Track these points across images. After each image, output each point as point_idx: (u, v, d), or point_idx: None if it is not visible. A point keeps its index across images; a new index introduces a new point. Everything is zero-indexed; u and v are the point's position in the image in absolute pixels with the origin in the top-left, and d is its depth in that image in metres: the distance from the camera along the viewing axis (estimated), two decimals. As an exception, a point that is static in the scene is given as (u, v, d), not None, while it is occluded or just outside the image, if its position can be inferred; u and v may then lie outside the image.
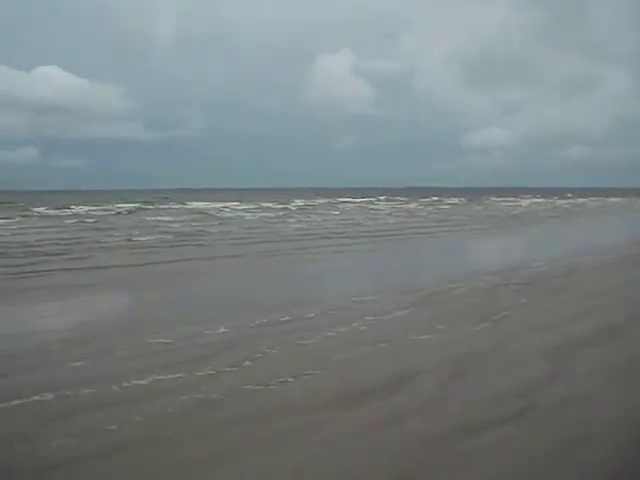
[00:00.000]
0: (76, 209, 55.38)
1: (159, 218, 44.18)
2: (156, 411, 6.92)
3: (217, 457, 5.81)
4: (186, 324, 10.97)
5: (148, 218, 44.35)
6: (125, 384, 7.76)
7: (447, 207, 70.90)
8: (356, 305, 12.53)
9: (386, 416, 6.73)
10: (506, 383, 7.74)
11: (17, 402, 7.20)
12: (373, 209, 64.68)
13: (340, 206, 69.38)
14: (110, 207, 58.92)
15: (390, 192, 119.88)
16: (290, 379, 7.93)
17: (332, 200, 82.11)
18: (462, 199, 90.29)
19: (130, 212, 53.28)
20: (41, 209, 55.17)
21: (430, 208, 66.80)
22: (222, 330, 10.46)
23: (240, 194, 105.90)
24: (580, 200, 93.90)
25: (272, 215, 50.72)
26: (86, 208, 56.53)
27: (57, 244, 25.98)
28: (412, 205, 73.92)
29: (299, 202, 75.08)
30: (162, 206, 63.89)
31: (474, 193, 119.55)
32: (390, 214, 54.75)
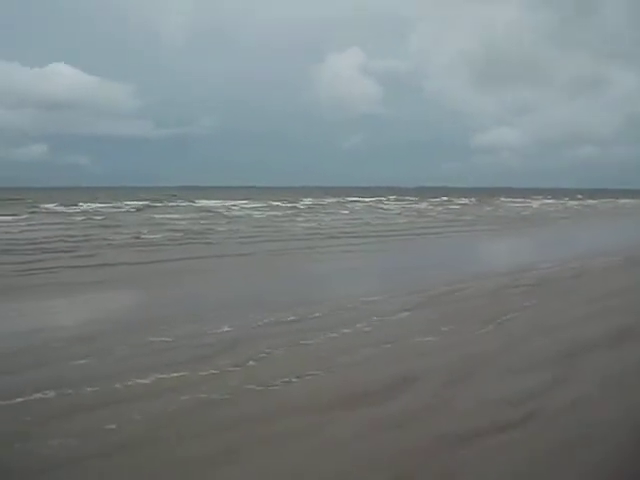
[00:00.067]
0: (84, 206, 55.50)
1: (167, 216, 44.21)
2: (158, 410, 6.89)
3: (218, 457, 5.78)
4: (191, 322, 10.95)
5: (156, 216, 44.38)
6: (127, 383, 7.74)
7: (457, 207, 70.58)
8: (362, 305, 12.47)
9: (388, 418, 6.69)
10: (511, 387, 7.67)
11: (19, 400, 7.19)
12: (382, 209, 64.47)
13: (349, 205, 69.18)
14: (119, 204, 59.06)
15: (399, 191, 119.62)
16: (293, 379, 7.90)
17: (341, 199, 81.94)
18: (472, 199, 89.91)
19: (138, 210, 53.34)
20: (49, 206, 55.29)
21: (440, 208, 66.53)
22: (226, 329, 10.44)
23: (249, 192, 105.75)
24: (591, 201, 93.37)
25: (281, 214, 50.65)
26: (94, 205, 56.69)
27: (65, 241, 26.03)
28: (422, 205, 73.64)
29: (308, 201, 74.93)
30: (170, 204, 63.94)
31: (484, 193, 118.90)
32: (400, 214, 54.59)
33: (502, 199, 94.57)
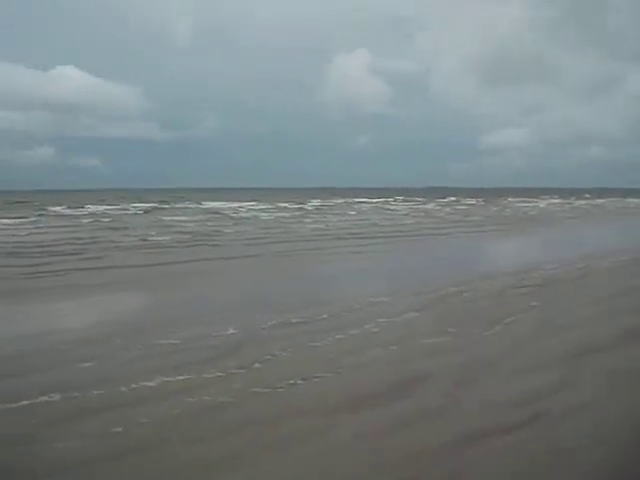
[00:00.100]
0: (92, 208, 55.57)
1: (175, 218, 44.22)
2: (163, 414, 6.90)
3: (222, 462, 5.79)
4: (198, 325, 10.97)
5: (164, 218, 44.42)
6: (133, 385, 7.76)
7: (464, 208, 70.32)
8: (369, 307, 12.46)
9: (395, 420, 6.69)
10: (518, 388, 7.66)
11: (25, 402, 7.22)
12: (390, 209, 64.34)
13: (357, 206, 69.10)
14: (126, 206, 59.16)
15: (407, 192, 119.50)
16: (299, 382, 7.90)
17: (348, 200, 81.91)
18: (479, 200, 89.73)
19: (146, 212, 53.38)
20: (57, 208, 55.42)
21: (448, 209, 66.31)
22: (233, 331, 10.44)
23: (256, 194, 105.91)
24: (599, 201, 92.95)
25: (288, 215, 50.62)
26: (102, 207, 56.76)
27: (72, 244, 26.06)
28: (429, 206, 73.47)
29: (315, 202, 74.89)
30: (178, 206, 64.01)
31: (491, 193, 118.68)
32: (407, 215, 54.45)
33: (509, 199, 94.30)
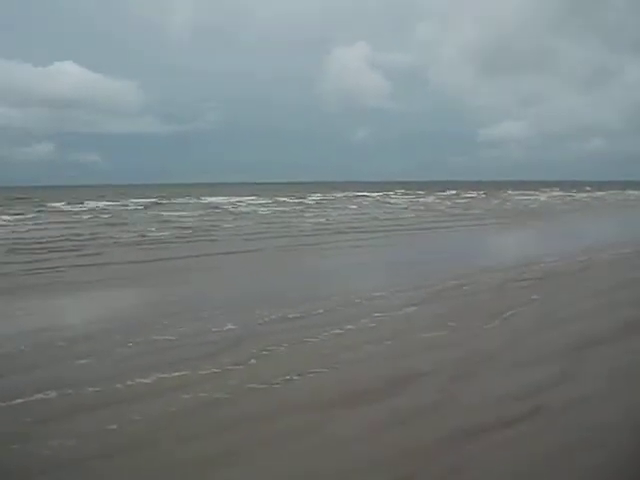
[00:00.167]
0: (92, 204, 55.60)
1: (174, 213, 44.14)
2: (158, 411, 6.84)
3: (217, 459, 5.73)
4: (195, 320, 10.91)
5: (163, 213, 44.34)
6: (129, 382, 7.71)
7: (464, 201, 70.20)
8: (367, 301, 12.39)
9: (392, 415, 6.64)
10: (517, 382, 7.60)
11: (20, 401, 7.16)
12: (390, 203, 64.28)
13: (357, 200, 69.07)
14: (125, 202, 59.18)
15: (407, 185, 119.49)
16: (295, 377, 7.84)
17: (349, 194, 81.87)
18: (480, 193, 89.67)
19: (145, 207, 53.39)
20: (56, 204, 55.42)
21: (448, 202, 66.17)
22: (230, 327, 10.38)
23: (256, 188, 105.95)
24: (599, 193, 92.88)
25: (288, 209, 50.61)
26: (101, 203, 56.80)
27: (71, 240, 26.03)
28: (429, 199, 73.40)
29: (315, 196, 74.85)
30: (177, 201, 64.00)
31: (491, 186, 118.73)
32: (407, 208, 54.37)
33: (510, 192, 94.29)
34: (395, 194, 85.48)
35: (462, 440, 5.98)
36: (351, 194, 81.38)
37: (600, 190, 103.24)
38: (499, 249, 25.03)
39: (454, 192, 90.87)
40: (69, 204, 55.49)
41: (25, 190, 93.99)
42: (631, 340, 9.41)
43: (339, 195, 79.79)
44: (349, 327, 10.29)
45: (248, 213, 46.29)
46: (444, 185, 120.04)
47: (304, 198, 69.83)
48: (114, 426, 6.42)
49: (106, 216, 41.98)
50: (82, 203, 56.75)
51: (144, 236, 28.02)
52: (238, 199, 66.78)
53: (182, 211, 46.86)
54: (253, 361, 8.53)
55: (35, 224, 35.31)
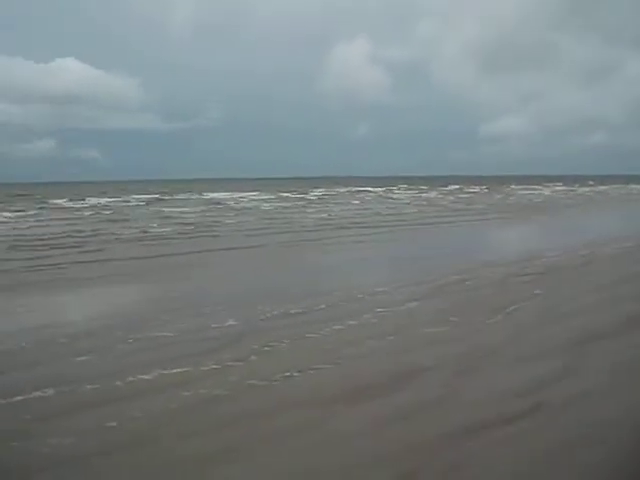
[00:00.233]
0: (93, 201, 55.55)
1: (176, 209, 44.15)
2: (158, 407, 6.82)
3: (218, 455, 5.70)
4: (197, 316, 10.89)
5: (165, 209, 44.35)
6: (129, 379, 7.68)
7: (467, 196, 70.05)
8: (369, 296, 12.35)
9: (394, 411, 6.61)
10: (520, 377, 7.57)
11: (19, 398, 7.14)
12: (392, 198, 64.17)
13: (359, 195, 68.99)
14: (127, 198, 59.16)
15: (409, 180, 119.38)
16: (296, 374, 7.80)
17: (351, 189, 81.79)
18: (482, 187, 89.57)
19: (147, 203, 53.37)
20: (58, 201, 55.41)
21: (451, 197, 66.00)
22: (231, 323, 10.35)
23: (258, 184, 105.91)
24: (602, 187, 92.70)
25: (290, 205, 50.52)
26: (103, 200, 56.76)
27: (73, 236, 26.01)
28: (432, 194, 73.23)
29: (318, 191, 74.80)
30: (179, 197, 64.00)
31: (494, 181, 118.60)
32: (409, 203, 54.24)
33: (512, 186, 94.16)
34: (398, 189, 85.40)
35: (464, 436, 5.94)
36: (354, 189, 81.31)
37: (603, 184, 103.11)
38: (501, 244, 24.97)
39: (457, 187, 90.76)
40: (70, 200, 55.47)
41: (26, 187, 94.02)
42: (633, 335, 9.36)
43: (342, 190, 79.72)
44: (351, 322, 10.25)
45: (250, 209, 46.23)
46: (446, 180, 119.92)
47: (306, 193, 69.78)
48: (114, 423, 6.40)
49: (108, 212, 41.95)
50: (83, 199, 56.68)
51: (146, 232, 28.00)
52: (240, 195, 66.75)
53: (184, 207, 46.86)
54: (254, 357, 8.49)
55: (36, 221, 35.29)
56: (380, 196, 68.41)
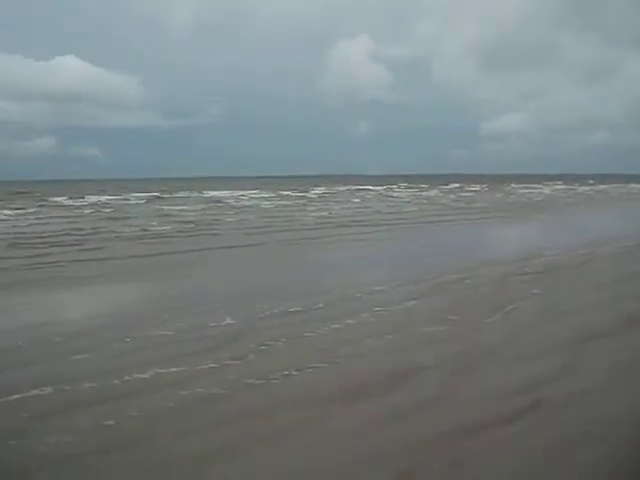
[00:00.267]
0: (93, 199, 55.48)
1: (176, 207, 44.10)
2: (156, 406, 6.80)
3: (215, 454, 5.69)
4: (195, 315, 10.87)
5: (165, 207, 44.32)
6: (126, 378, 7.66)
7: (468, 194, 69.98)
8: (367, 295, 12.33)
9: (392, 410, 6.59)
10: (518, 376, 7.55)
11: (16, 396, 7.12)
12: (393, 197, 64.14)
13: (360, 194, 68.94)
14: (127, 196, 59.13)
15: (410, 179, 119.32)
16: (294, 372, 7.78)
17: (351, 187, 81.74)
18: (483, 186, 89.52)
19: (147, 201, 53.34)
20: (58, 199, 55.40)
21: (452, 196, 65.90)
22: (230, 321, 10.34)
23: (258, 182, 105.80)
24: (602, 186, 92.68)
25: (290, 203, 50.49)
26: (103, 198, 56.70)
27: (72, 234, 25.98)
28: (432, 192, 73.21)
29: (318, 190, 74.74)
30: (179, 195, 63.95)
31: (494, 180, 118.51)
32: (410, 202, 54.19)
33: (513, 185, 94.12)
34: (398, 187, 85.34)
35: (462, 435, 5.93)
36: (354, 188, 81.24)
37: (603, 183, 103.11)
38: (501, 242, 24.96)
39: (457, 185, 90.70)
40: (70, 198, 55.42)
41: (26, 185, 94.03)
42: (633, 333, 9.36)
43: (342, 189, 79.64)
44: (349, 321, 10.23)
45: (250, 207, 46.18)
46: (447, 178, 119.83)
47: (307, 192, 69.72)
48: (111, 422, 6.38)
49: (107, 210, 41.91)
50: (83, 197, 56.62)
51: (146, 230, 27.96)
52: (240, 193, 66.62)
53: (184, 205, 46.82)
54: (252, 356, 8.47)
55: (36, 219, 35.27)
56: (380, 194, 68.35)
